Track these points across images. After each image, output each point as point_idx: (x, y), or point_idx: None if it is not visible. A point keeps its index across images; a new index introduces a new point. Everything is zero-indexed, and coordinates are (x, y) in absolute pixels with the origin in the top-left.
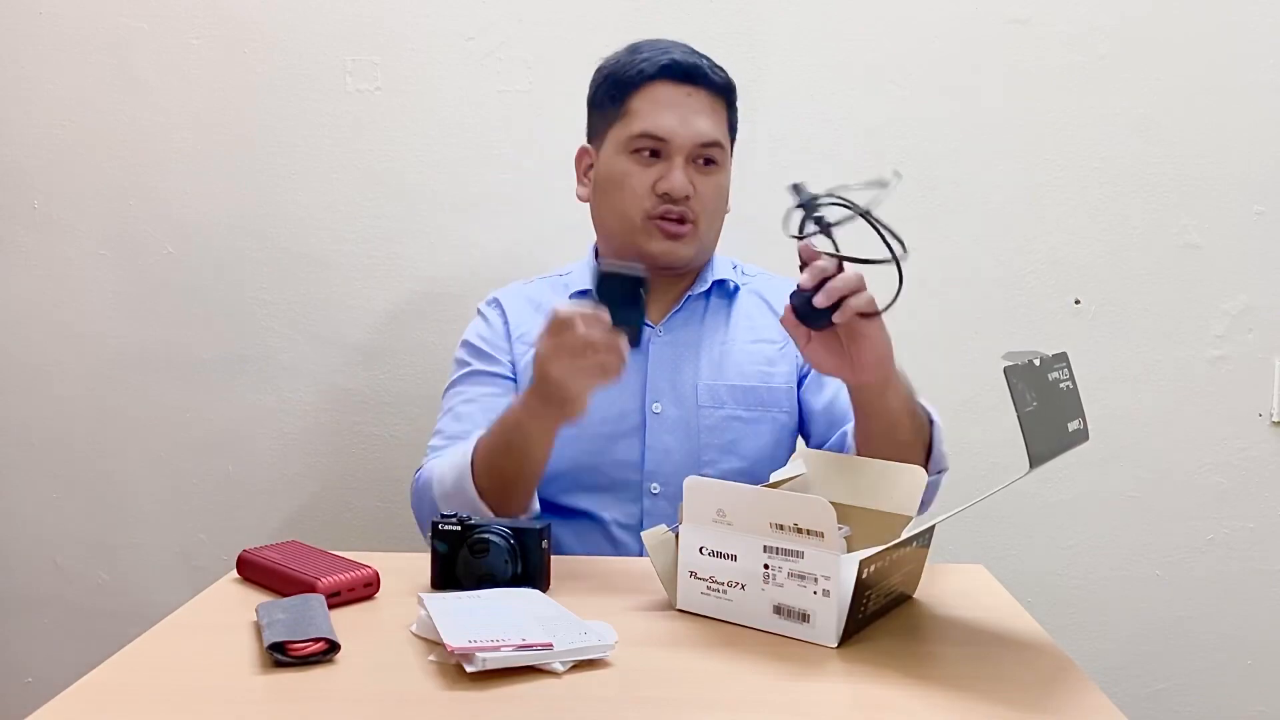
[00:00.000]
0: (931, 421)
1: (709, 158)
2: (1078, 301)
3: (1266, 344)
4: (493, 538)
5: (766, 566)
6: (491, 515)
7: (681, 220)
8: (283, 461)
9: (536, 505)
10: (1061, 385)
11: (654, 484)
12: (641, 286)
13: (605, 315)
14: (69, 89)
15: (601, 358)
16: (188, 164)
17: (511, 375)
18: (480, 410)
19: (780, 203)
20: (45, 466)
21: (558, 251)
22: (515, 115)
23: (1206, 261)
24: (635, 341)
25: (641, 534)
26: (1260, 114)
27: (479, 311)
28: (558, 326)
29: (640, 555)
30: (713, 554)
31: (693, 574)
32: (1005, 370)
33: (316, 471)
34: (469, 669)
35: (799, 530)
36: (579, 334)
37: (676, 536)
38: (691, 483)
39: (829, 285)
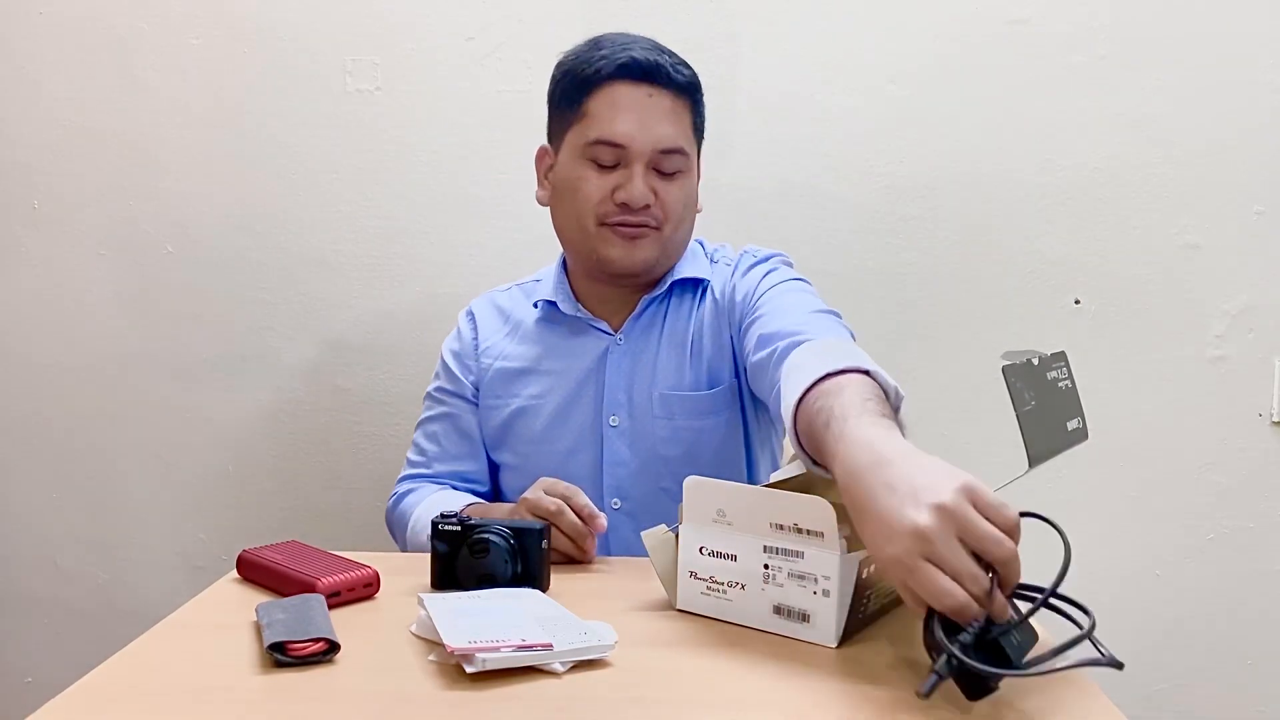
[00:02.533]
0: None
1: (671, 165)
2: (1078, 301)
3: (1266, 344)
4: (493, 538)
5: (766, 566)
6: None
7: (641, 226)
8: (283, 461)
9: None
10: (1060, 384)
11: (615, 499)
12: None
13: (585, 531)
14: (69, 89)
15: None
16: (188, 164)
17: (472, 396)
18: (445, 431)
19: (780, 203)
20: (45, 466)
21: (557, 252)
22: (515, 115)
23: (1206, 261)
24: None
25: (642, 534)
26: (1260, 114)
27: (458, 322)
28: (557, 497)
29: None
30: (713, 554)
31: (693, 574)
32: (1003, 369)
33: (316, 471)
34: (469, 669)
35: (799, 530)
36: (560, 518)
37: (676, 536)
38: (691, 483)
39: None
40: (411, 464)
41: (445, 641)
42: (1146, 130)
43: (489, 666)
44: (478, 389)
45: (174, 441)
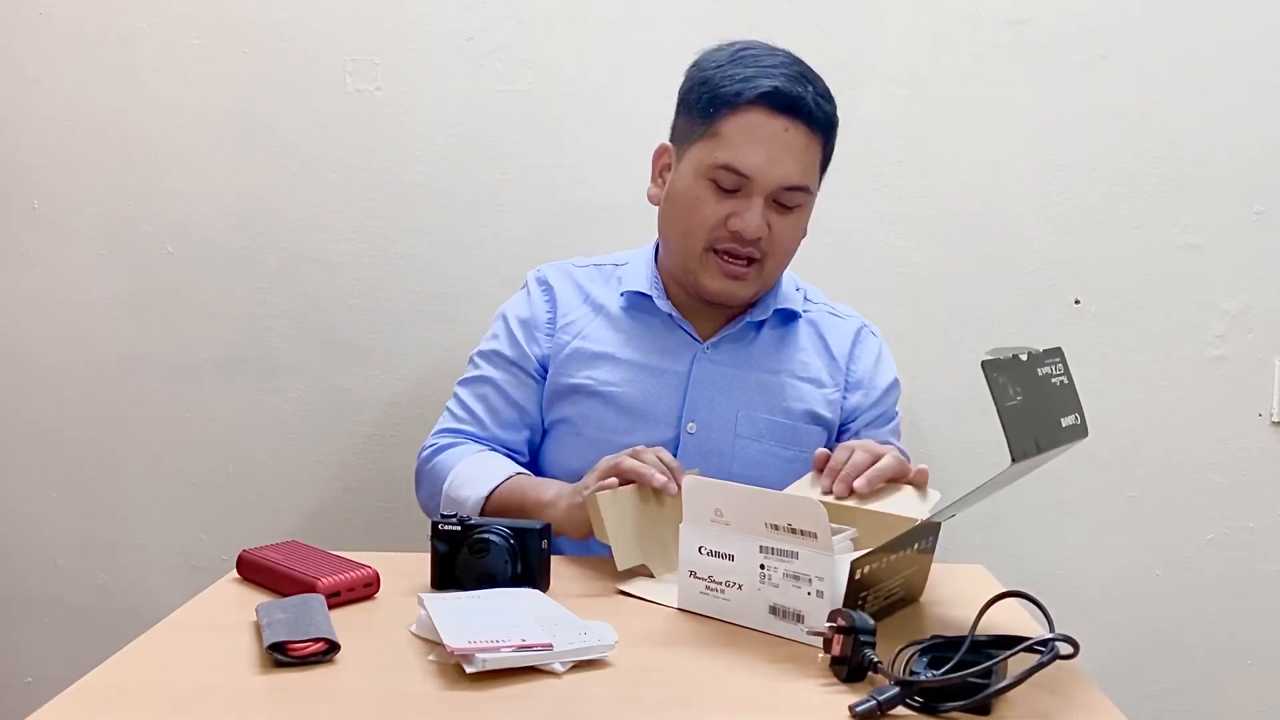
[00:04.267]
0: None
1: (791, 200)
2: (1078, 301)
3: (1266, 344)
4: (493, 538)
5: (763, 567)
6: None
7: (748, 261)
8: (283, 461)
9: None
10: (1054, 380)
11: None
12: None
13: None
14: (69, 89)
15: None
16: (188, 164)
17: (536, 371)
18: (495, 396)
19: None
20: (45, 466)
21: (557, 251)
22: (515, 115)
23: (1206, 261)
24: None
25: (594, 495)
26: (1260, 114)
27: (526, 287)
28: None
29: None
30: (711, 553)
31: (692, 573)
32: (983, 364)
33: (316, 471)
34: (469, 669)
35: (793, 531)
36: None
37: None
38: (690, 483)
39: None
40: (455, 418)
41: (445, 641)
42: (1146, 130)
43: (489, 666)
44: (544, 364)
45: (174, 441)
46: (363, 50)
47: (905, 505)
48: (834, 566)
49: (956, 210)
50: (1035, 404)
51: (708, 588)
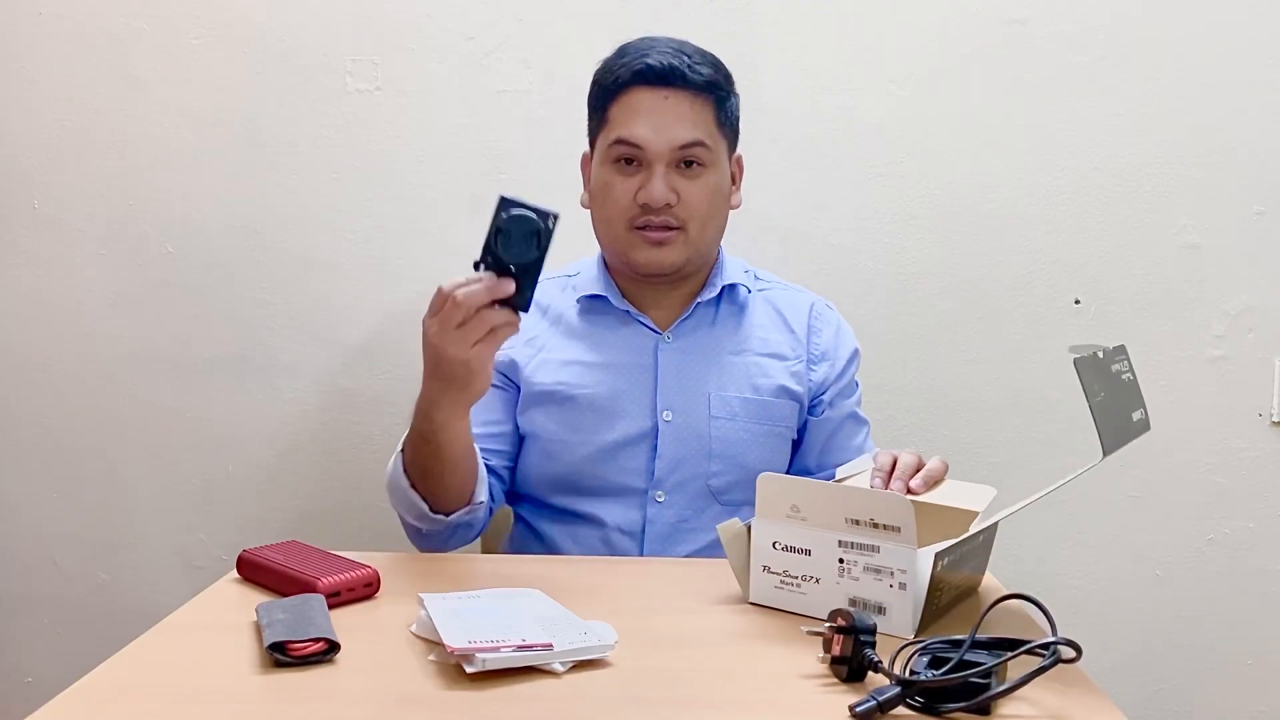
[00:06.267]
0: None
1: (692, 159)
2: (1078, 301)
3: (1266, 344)
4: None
5: (841, 560)
6: (427, 508)
7: (665, 228)
8: (283, 461)
9: (482, 495)
10: (1123, 376)
11: (659, 492)
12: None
13: (486, 280)
14: (69, 89)
15: (490, 318)
16: (188, 164)
17: (498, 381)
18: None
19: (781, 204)
20: (45, 466)
21: (556, 252)
22: (515, 115)
23: (1206, 261)
24: (523, 304)
25: (717, 527)
26: (1260, 114)
27: None
28: (439, 304)
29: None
30: (787, 549)
31: (766, 568)
32: (1075, 362)
33: (316, 471)
34: (469, 669)
35: (875, 525)
36: (460, 303)
37: (749, 530)
38: (765, 478)
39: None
40: None
41: (445, 641)
42: (1146, 130)
43: (489, 666)
44: (501, 370)
45: (174, 441)
46: (363, 50)
47: (960, 498)
48: (916, 560)
49: (956, 210)
50: (1113, 399)
51: (783, 582)
